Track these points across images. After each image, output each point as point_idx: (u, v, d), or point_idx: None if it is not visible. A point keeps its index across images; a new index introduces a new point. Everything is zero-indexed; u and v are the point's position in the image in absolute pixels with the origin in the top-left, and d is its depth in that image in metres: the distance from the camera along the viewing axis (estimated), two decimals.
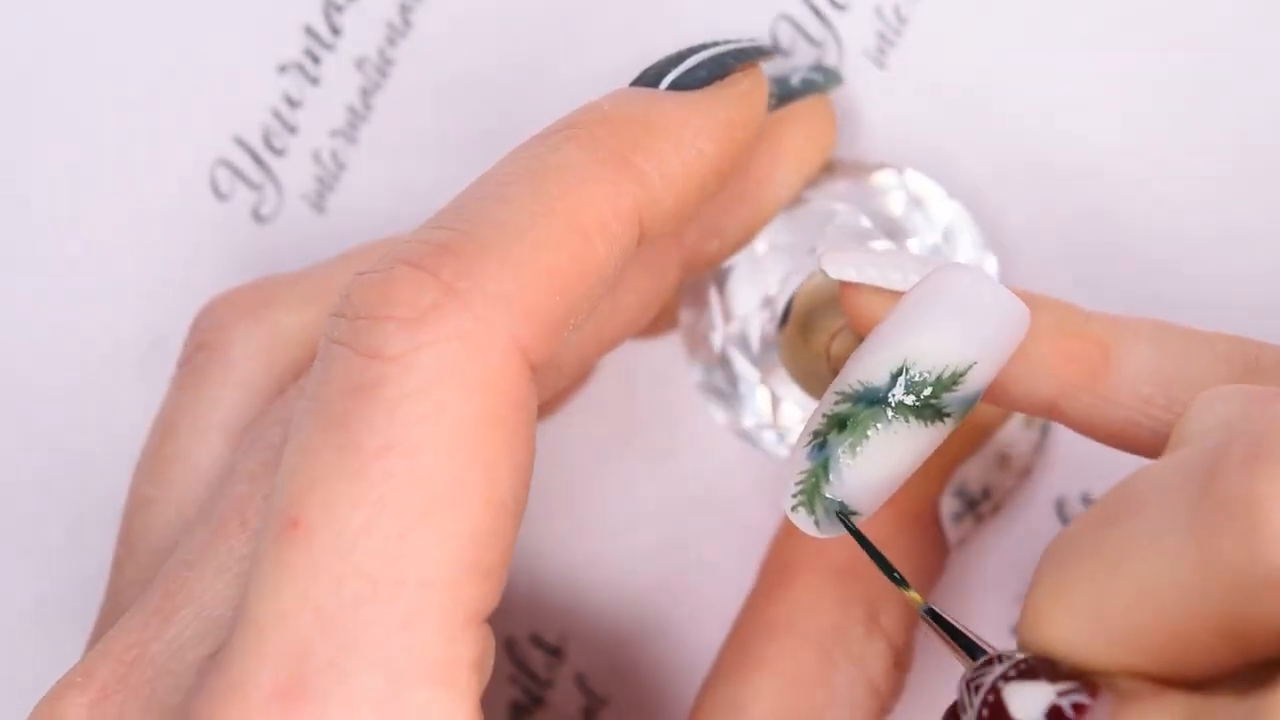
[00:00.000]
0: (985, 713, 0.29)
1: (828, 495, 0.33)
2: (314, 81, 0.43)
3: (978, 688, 0.30)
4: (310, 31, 0.42)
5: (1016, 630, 0.30)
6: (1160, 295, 0.41)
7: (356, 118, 0.43)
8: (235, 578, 0.32)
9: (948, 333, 0.32)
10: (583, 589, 0.43)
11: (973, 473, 0.39)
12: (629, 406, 0.42)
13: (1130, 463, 0.41)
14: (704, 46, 0.37)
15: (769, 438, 0.40)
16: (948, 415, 0.32)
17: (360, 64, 0.42)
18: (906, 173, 0.40)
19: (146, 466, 0.37)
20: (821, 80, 0.39)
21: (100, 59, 0.43)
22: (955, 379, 0.32)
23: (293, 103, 0.43)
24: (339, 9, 0.42)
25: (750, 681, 0.37)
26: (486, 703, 0.44)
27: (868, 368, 0.33)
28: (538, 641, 0.43)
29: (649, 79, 0.36)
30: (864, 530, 0.34)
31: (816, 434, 0.33)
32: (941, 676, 0.42)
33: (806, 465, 0.33)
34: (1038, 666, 0.29)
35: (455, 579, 0.30)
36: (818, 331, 0.38)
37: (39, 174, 0.43)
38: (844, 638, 0.37)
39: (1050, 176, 0.41)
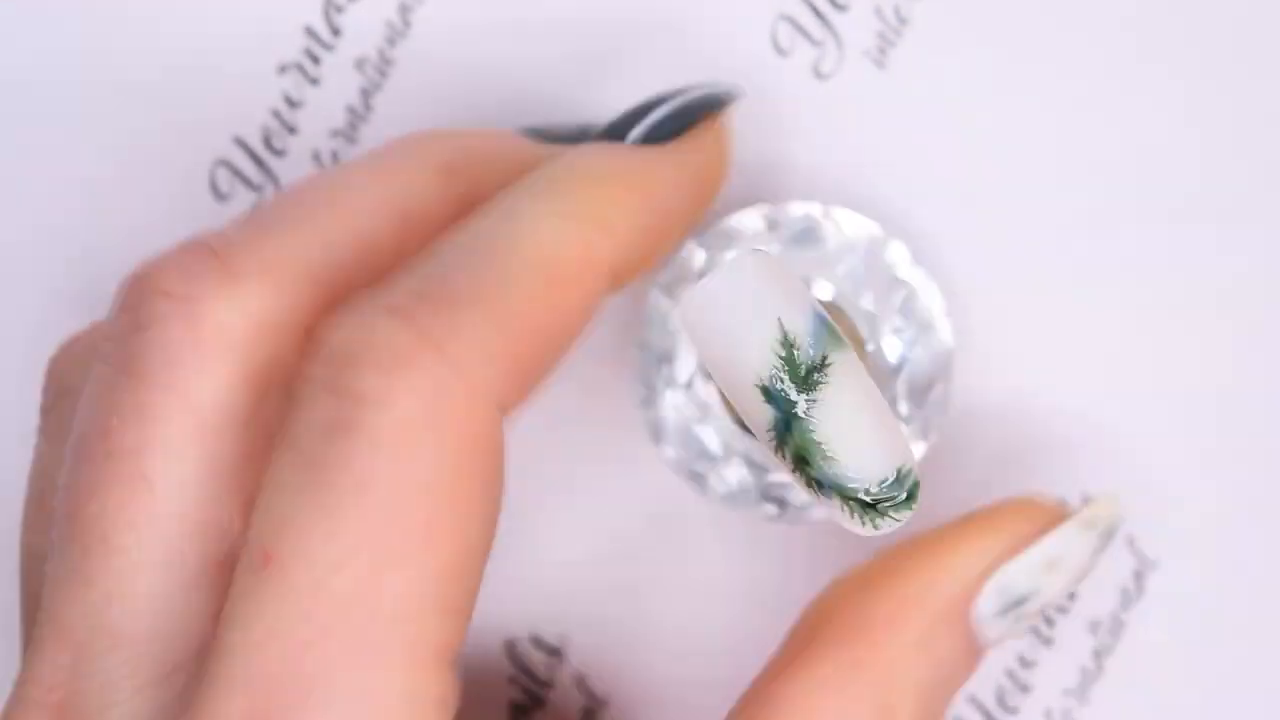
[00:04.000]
0: None
1: (868, 497, 0.32)
2: (314, 81, 0.43)
3: None
4: (310, 31, 0.42)
5: None
6: (1158, 296, 0.41)
7: (356, 118, 0.43)
8: (126, 599, 0.32)
9: (734, 337, 0.31)
10: (583, 589, 0.43)
11: (1020, 570, 0.38)
12: (629, 406, 0.42)
13: (1128, 459, 0.41)
14: (669, 96, 0.38)
15: (754, 498, 0.40)
16: (828, 365, 0.31)
17: (360, 64, 0.42)
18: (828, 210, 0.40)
19: (32, 519, 0.36)
20: (713, 102, 0.39)
21: (100, 59, 0.43)
22: (789, 344, 0.31)
23: (293, 103, 0.43)
24: (339, 9, 0.42)
25: None
26: (486, 703, 0.44)
27: (752, 418, 0.32)
28: (538, 642, 0.43)
29: (617, 132, 0.37)
30: (892, 630, 0.35)
31: (807, 485, 0.32)
32: None
33: (833, 503, 0.32)
34: None
35: (424, 616, 0.30)
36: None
37: (39, 174, 0.43)
38: None
39: (1050, 177, 0.41)
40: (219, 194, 0.43)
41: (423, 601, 0.30)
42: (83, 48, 0.43)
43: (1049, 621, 0.42)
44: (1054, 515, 0.38)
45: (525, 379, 0.32)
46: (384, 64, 0.42)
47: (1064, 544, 0.38)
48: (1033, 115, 0.41)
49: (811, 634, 0.38)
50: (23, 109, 0.43)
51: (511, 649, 0.43)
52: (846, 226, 0.39)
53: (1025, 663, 0.42)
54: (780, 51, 0.41)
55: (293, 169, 0.43)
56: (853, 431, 0.32)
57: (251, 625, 0.30)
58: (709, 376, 0.37)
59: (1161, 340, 0.41)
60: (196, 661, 0.32)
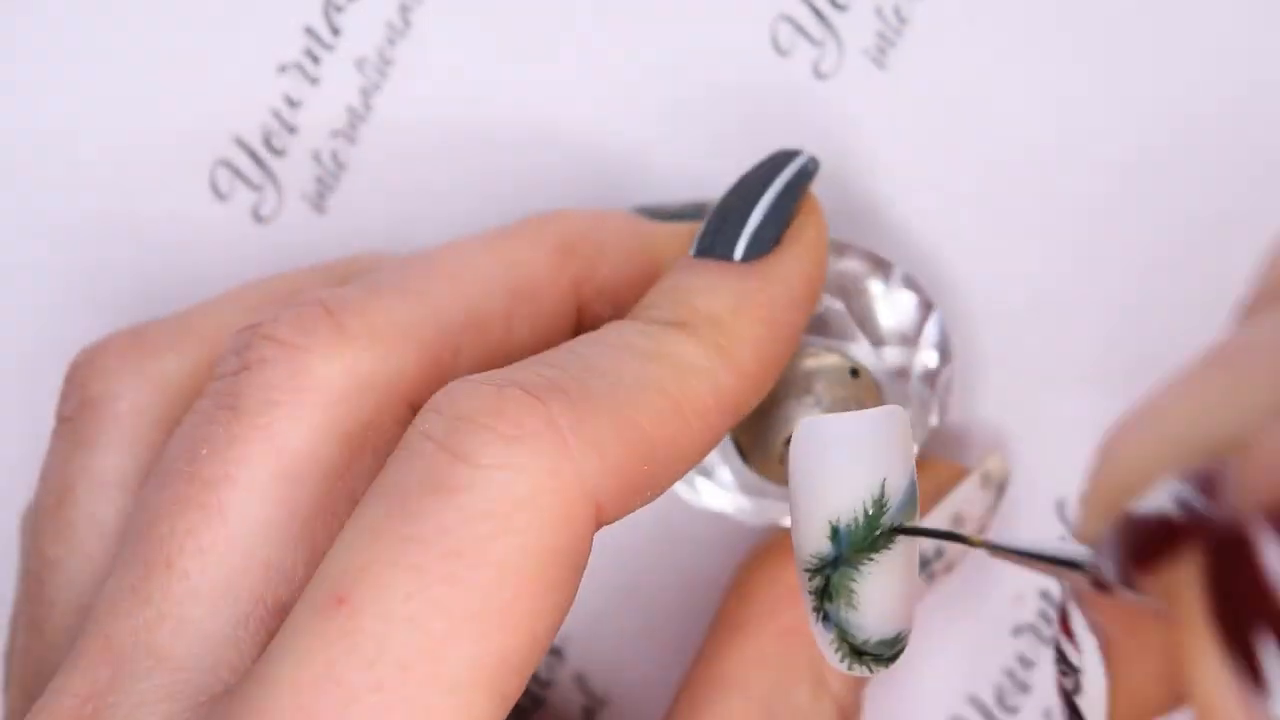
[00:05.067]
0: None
1: (865, 647, 0.33)
2: (314, 81, 0.43)
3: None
4: (310, 31, 0.42)
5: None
6: (1158, 297, 0.41)
7: (356, 118, 0.43)
8: (177, 623, 0.33)
9: (844, 477, 0.33)
10: (582, 589, 0.43)
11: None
12: None
13: None
14: (759, 187, 0.38)
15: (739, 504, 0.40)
16: (898, 529, 0.33)
17: (360, 64, 0.42)
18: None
19: (48, 526, 0.37)
20: (801, 182, 0.39)
21: (99, 59, 0.43)
22: (880, 505, 0.33)
23: (293, 103, 0.43)
24: (339, 9, 0.42)
25: None
26: None
27: (808, 541, 0.33)
28: None
29: (720, 247, 0.37)
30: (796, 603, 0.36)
31: (816, 610, 0.33)
32: None
33: (829, 635, 0.33)
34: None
35: (477, 695, 0.30)
36: (776, 420, 0.38)
37: (38, 174, 0.43)
38: (790, 698, 0.37)
39: (1050, 177, 0.41)
40: (219, 194, 0.43)
41: (480, 680, 0.30)
42: (83, 47, 0.43)
43: (1049, 621, 0.42)
44: (953, 473, 0.40)
45: (631, 496, 0.33)
46: (384, 64, 0.42)
47: (965, 500, 0.40)
48: (1033, 115, 0.41)
49: (740, 611, 0.38)
50: (22, 109, 0.43)
51: None
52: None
53: (1025, 662, 0.42)
54: (780, 51, 0.41)
55: (293, 169, 0.43)
56: (886, 596, 0.33)
57: (307, 661, 0.30)
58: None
59: (1162, 338, 0.41)
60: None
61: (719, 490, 0.40)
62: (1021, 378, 0.41)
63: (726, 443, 0.40)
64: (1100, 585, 0.28)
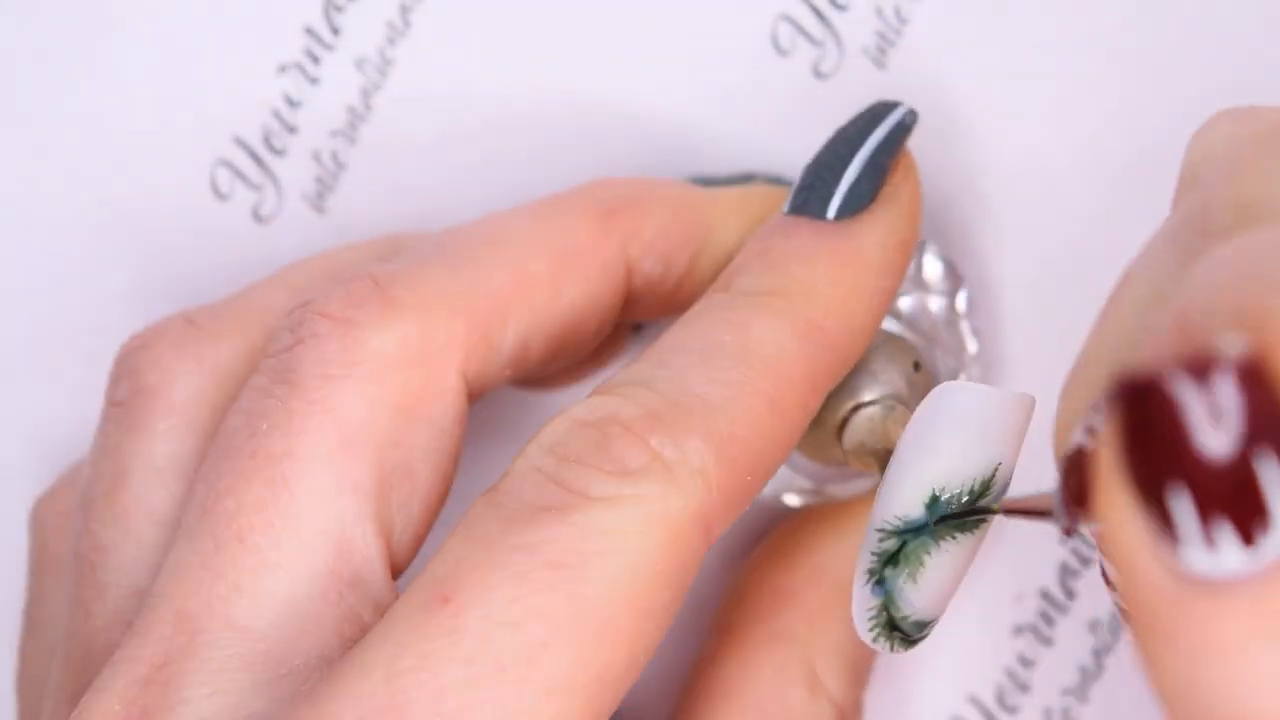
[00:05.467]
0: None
1: (901, 623, 0.34)
2: (314, 81, 0.43)
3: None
4: (310, 31, 0.43)
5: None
6: None
7: (356, 118, 0.43)
8: (254, 596, 0.33)
9: (965, 451, 0.33)
10: None
11: None
12: None
13: None
14: (856, 139, 0.37)
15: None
16: (989, 510, 0.33)
17: (360, 64, 0.42)
18: None
19: (100, 511, 0.37)
20: (900, 136, 0.39)
21: (99, 59, 0.43)
22: (986, 486, 0.33)
23: (293, 103, 0.43)
24: (339, 9, 0.42)
25: None
26: None
27: (900, 503, 0.33)
28: None
29: (817, 199, 0.37)
30: (809, 598, 0.37)
31: (871, 572, 0.33)
32: None
33: (873, 601, 0.34)
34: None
35: (571, 705, 0.31)
36: (827, 409, 0.38)
37: (38, 174, 0.43)
38: (786, 701, 0.38)
39: (1050, 178, 0.41)
40: (219, 194, 0.43)
41: (575, 689, 0.31)
42: (83, 47, 0.43)
43: (1049, 621, 0.42)
44: None
45: (737, 507, 0.33)
46: (384, 64, 0.42)
47: None
48: (1033, 115, 0.41)
49: (733, 616, 0.38)
50: (23, 109, 0.43)
51: None
52: None
53: (1025, 662, 0.42)
54: (780, 51, 0.41)
55: (293, 169, 0.43)
56: (947, 578, 0.34)
57: (407, 648, 0.30)
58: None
59: None
60: (315, 671, 0.32)
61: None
62: (1022, 378, 0.41)
63: None
64: (1069, 532, 0.28)
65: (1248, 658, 0.23)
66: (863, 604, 0.33)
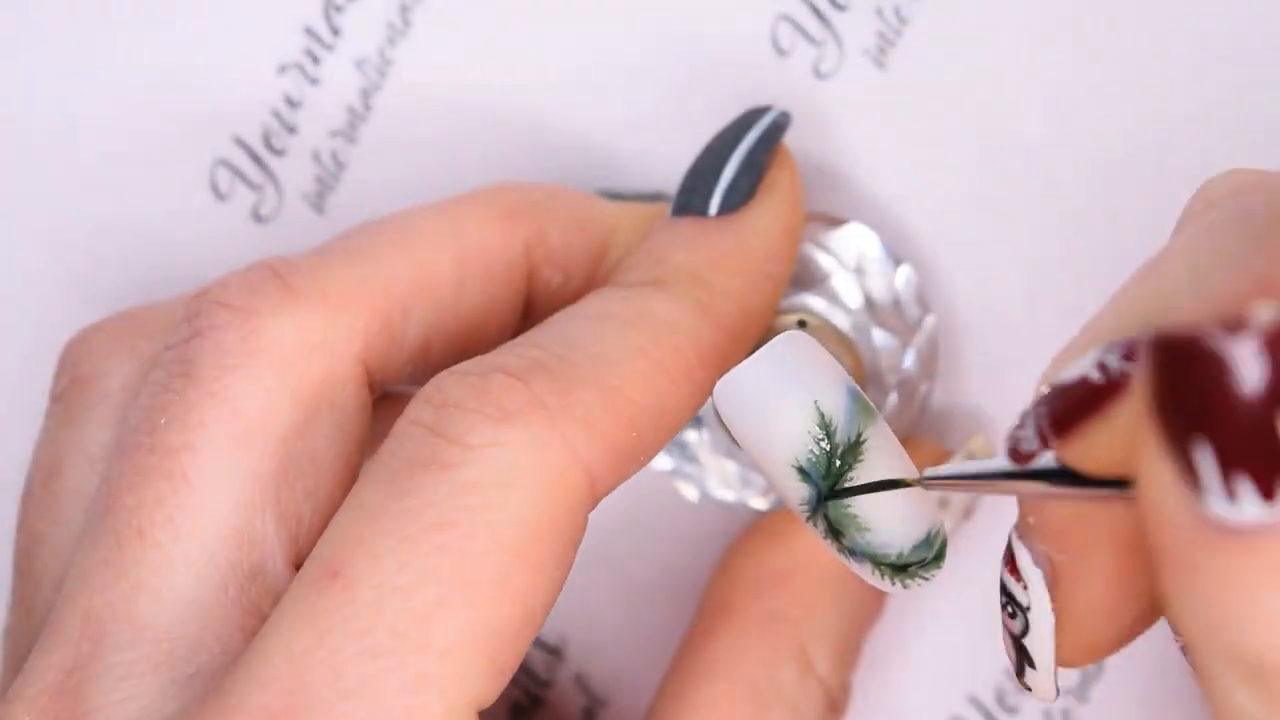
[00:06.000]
0: (1043, 407, 0.29)
1: (901, 560, 0.33)
2: (314, 81, 0.43)
3: (1025, 419, 0.29)
4: (310, 31, 0.42)
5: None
6: None
7: (356, 118, 0.43)
8: (155, 593, 0.33)
9: (771, 421, 0.32)
10: (582, 589, 0.43)
11: None
12: None
13: None
14: (732, 142, 0.38)
15: (745, 498, 0.41)
16: (863, 443, 0.33)
17: (360, 64, 0.42)
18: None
19: (36, 502, 0.37)
20: (774, 135, 0.39)
21: (100, 59, 0.43)
22: (827, 428, 0.32)
23: (293, 103, 0.43)
24: (339, 9, 0.42)
25: None
26: None
27: (787, 492, 0.33)
28: (537, 641, 0.43)
29: (697, 199, 0.37)
30: (802, 579, 0.37)
31: (840, 550, 0.33)
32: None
33: (866, 567, 0.33)
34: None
35: (471, 662, 0.31)
36: None
37: (38, 174, 0.43)
38: (776, 682, 0.37)
39: (1049, 177, 0.41)
40: (219, 194, 0.43)
41: (473, 650, 0.31)
42: (83, 47, 0.43)
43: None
44: (936, 456, 0.40)
45: (624, 463, 0.33)
46: (384, 64, 0.42)
47: None
48: (1032, 115, 0.41)
49: (725, 595, 0.38)
50: (23, 109, 0.43)
51: None
52: None
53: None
54: (780, 51, 0.41)
55: (293, 169, 0.43)
56: (889, 505, 0.33)
57: (302, 630, 0.30)
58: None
59: None
60: (222, 667, 0.32)
61: (725, 484, 0.40)
62: (1021, 379, 0.41)
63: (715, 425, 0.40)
64: (1021, 475, 0.29)
65: (1265, 602, 0.24)
66: (863, 572, 0.33)
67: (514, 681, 0.43)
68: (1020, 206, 0.41)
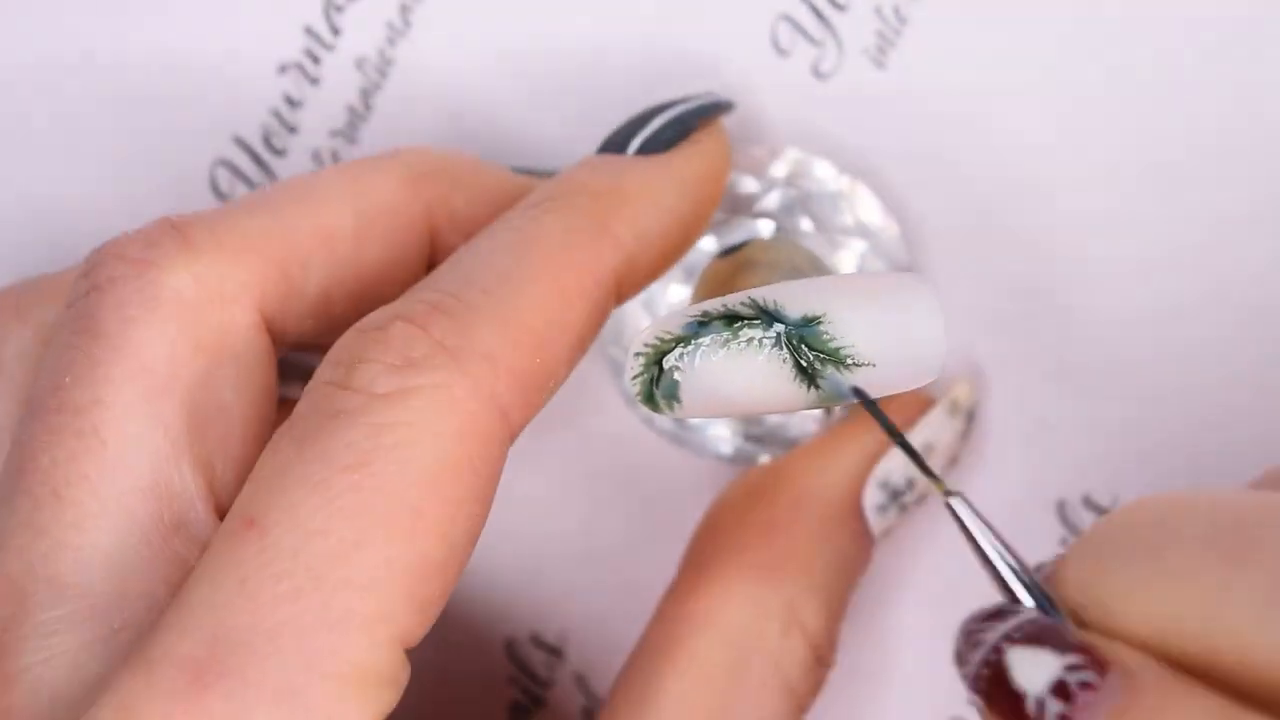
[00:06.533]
0: (985, 672, 0.30)
1: (675, 377, 0.33)
2: (314, 81, 0.43)
3: (977, 643, 0.30)
4: (310, 31, 0.42)
5: (1059, 562, 0.30)
6: (1159, 297, 0.41)
7: (356, 118, 0.43)
8: (76, 551, 0.33)
9: (872, 322, 0.33)
10: (582, 589, 0.43)
11: (896, 464, 0.40)
12: (625, 407, 0.42)
13: (1128, 466, 0.41)
14: (666, 106, 0.38)
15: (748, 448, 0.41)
16: (814, 384, 0.33)
17: (360, 64, 0.42)
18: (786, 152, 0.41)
19: None
20: (710, 109, 0.40)
21: (100, 59, 0.43)
22: (843, 362, 0.33)
23: (293, 103, 0.43)
24: (339, 9, 0.42)
25: (662, 676, 0.37)
26: (486, 703, 0.44)
27: (793, 298, 0.33)
28: (538, 641, 0.43)
29: (616, 144, 0.38)
30: (789, 531, 0.36)
31: (705, 316, 0.33)
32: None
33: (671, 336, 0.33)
34: (1045, 632, 0.29)
35: (393, 598, 0.31)
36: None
37: (39, 174, 0.43)
38: (759, 636, 0.38)
39: (1048, 178, 0.41)
40: (219, 194, 0.43)
41: (395, 584, 0.31)
42: (83, 48, 0.43)
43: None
44: (920, 405, 0.41)
45: (534, 391, 0.33)
46: (384, 64, 0.42)
47: (934, 430, 0.40)
48: (1032, 115, 0.41)
49: (710, 548, 0.39)
50: (24, 109, 0.43)
51: (511, 649, 0.43)
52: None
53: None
54: (780, 51, 0.41)
55: (293, 169, 0.43)
56: (719, 381, 0.33)
57: (223, 580, 0.31)
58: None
59: (1162, 339, 0.41)
60: (147, 622, 0.32)
61: (719, 435, 0.40)
62: (1022, 378, 0.41)
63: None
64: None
65: None
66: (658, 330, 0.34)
67: (514, 681, 0.43)
68: (1020, 206, 0.41)
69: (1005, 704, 0.29)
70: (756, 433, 0.41)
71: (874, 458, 0.40)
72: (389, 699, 0.31)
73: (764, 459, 0.41)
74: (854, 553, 0.39)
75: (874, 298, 0.33)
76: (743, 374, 0.33)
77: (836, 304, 0.33)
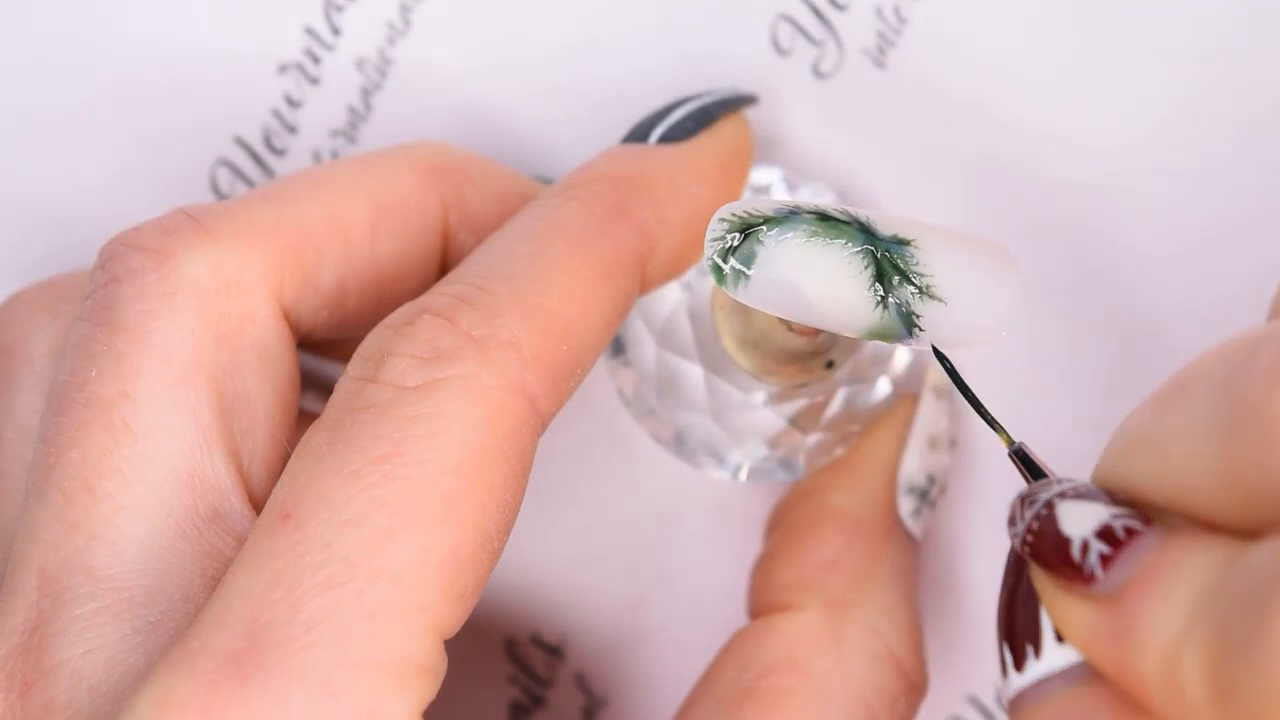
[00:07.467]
0: (1035, 525, 0.31)
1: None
2: (314, 81, 0.43)
3: (1032, 503, 0.31)
4: (310, 31, 0.43)
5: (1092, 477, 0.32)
6: (1160, 297, 0.41)
7: (356, 118, 0.43)
8: (112, 544, 0.33)
9: (956, 264, 0.33)
10: (583, 589, 0.43)
11: (911, 467, 0.40)
12: (625, 409, 0.42)
13: None
14: (688, 99, 0.39)
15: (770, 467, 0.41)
16: (883, 302, 0.33)
17: (360, 64, 0.42)
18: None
19: None
20: (732, 102, 0.40)
21: (100, 59, 0.43)
22: (928, 293, 0.33)
23: (293, 103, 0.43)
24: (339, 9, 0.42)
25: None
26: (486, 703, 0.44)
27: (887, 220, 0.33)
28: (538, 641, 0.43)
29: (639, 134, 0.38)
30: (843, 555, 0.37)
31: (799, 208, 0.33)
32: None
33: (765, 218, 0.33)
34: (1095, 491, 0.31)
35: (428, 588, 0.31)
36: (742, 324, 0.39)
37: (39, 174, 0.43)
38: (849, 673, 0.37)
39: (1048, 178, 0.41)
40: (219, 194, 0.43)
41: (429, 574, 0.31)
42: (83, 48, 0.43)
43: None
44: (908, 403, 0.41)
45: (562, 379, 0.33)
46: (384, 64, 0.42)
47: (931, 419, 0.41)
48: (1032, 115, 0.41)
49: (774, 594, 0.39)
50: (24, 109, 0.43)
51: (511, 649, 0.43)
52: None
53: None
54: (780, 51, 0.41)
55: (293, 169, 0.43)
56: (795, 269, 0.33)
57: (259, 571, 0.31)
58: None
59: (1162, 339, 0.41)
60: (183, 613, 0.32)
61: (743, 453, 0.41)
62: (1023, 378, 0.41)
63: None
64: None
65: None
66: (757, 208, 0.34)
67: (514, 681, 0.43)
68: (1020, 206, 0.41)
69: (1051, 555, 0.30)
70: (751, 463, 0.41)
71: (893, 467, 0.40)
72: (428, 689, 0.31)
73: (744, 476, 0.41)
74: (906, 561, 0.39)
75: (964, 245, 0.33)
76: (821, 265, 0.33)
77: (928, 237, 0.33)
